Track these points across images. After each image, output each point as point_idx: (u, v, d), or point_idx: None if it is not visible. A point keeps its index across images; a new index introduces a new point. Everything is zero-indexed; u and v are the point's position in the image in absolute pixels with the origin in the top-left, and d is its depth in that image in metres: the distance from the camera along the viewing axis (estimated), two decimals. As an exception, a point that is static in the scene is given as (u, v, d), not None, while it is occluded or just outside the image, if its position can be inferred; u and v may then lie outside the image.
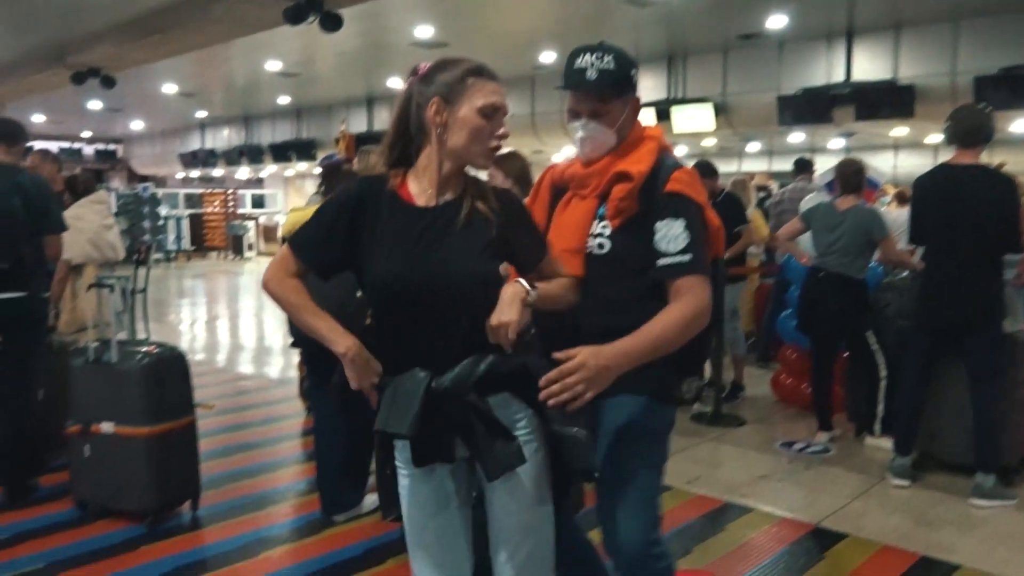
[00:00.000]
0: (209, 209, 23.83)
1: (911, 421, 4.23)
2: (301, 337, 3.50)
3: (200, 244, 22.75)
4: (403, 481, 1.84)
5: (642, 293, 1.92)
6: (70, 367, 3.66)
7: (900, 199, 9.86)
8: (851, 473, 4.40)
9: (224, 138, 21.85)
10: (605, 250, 1.97)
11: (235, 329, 10.28)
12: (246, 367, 7.66)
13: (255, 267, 20.08)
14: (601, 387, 1.71)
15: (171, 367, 3.61)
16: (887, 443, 4.59)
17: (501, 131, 1.75)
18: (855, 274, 4.75)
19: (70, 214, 4.61)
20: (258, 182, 27.93)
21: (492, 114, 1.73)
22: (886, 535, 3.56)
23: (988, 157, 12.68)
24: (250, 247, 22.59)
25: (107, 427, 3.52)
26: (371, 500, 3.75)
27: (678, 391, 2.17)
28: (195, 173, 24.66)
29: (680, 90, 12.69)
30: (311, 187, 28.18)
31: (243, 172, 24.48)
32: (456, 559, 1.82)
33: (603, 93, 1.96)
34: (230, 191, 24.33)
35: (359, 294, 3.35)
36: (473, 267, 1.71)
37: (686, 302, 1.86)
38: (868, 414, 4.91)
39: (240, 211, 24.59)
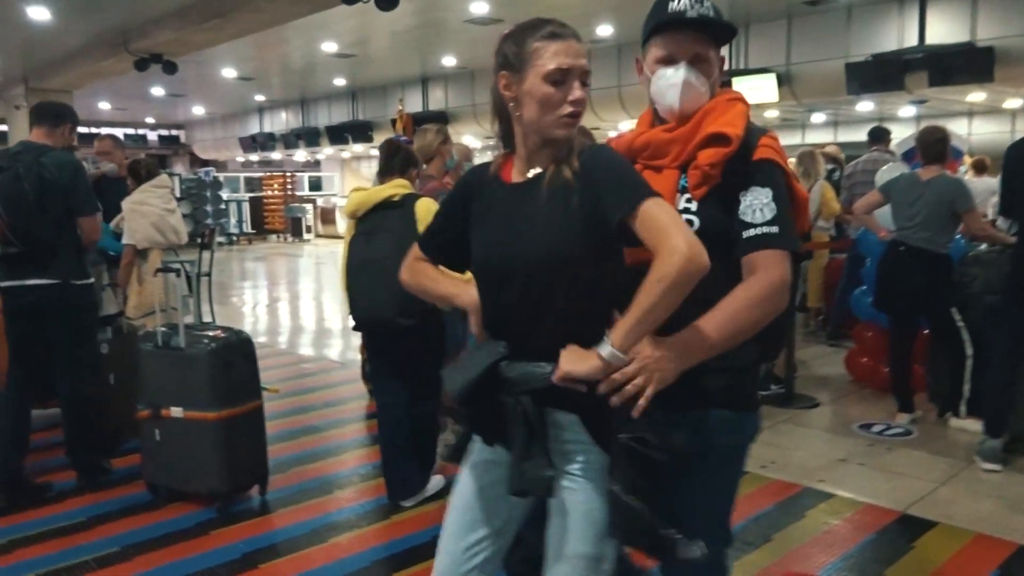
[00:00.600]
0: (268, 192, 24.17)
1: (1004, 400, 4.00)
2: (363, 321, 3.46)
3: (260, 227, 23.10)
4: (475, 451, 1.77)
5: (736, 275, 1.67)
6: (139, 351, 3.67)
7: (978, 168, 9.43)
8: (936, 457, 4.19)
9: (282, 121, 22.11)
10: (695, 227, 1.67)
11: (296, 311, 10.37)
12: (307, 350, 7.71)
13: (314, 249, 20.32)
14: (664, 380, 1.50)
15: (238, 351, 3.60)
16: (974, 425, 4.37)
17: (574, 96, 1.57)
18: (938, 248, 4.50)
19: (133, 199, 4.65)
20: (315, 164, 28.27)
21: (562, 79, 1.56)
22: (979, 523, 3.37)
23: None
24: (308, 229, 22.84)
25: (177, 411, 3.53)
26: (436, 482, 3.70)
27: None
28: (254, 157, 25.07)
29: (742, 60, 12.31)
30: (367, 169, 28.39)
31: (301, 155, 24.81)
32: (463, 539, 1.73)
33: (706, 36, 1.73)
34: (288, 174, 24.63)
35: None
36: (546, 243, 1.56)
37: (763, 278, 1.60)
38: (953, 394, 4.67)
39: (298, 194, 24.90)
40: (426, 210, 3.32)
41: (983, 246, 4.83)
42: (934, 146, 4.65)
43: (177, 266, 3.85)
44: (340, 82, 18.01)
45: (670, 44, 1.73)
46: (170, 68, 12.07)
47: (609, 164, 1.59)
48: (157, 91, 18.06)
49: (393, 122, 17.04)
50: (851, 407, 5.14)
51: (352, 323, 3.50)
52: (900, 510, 3.53)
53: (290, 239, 22.66)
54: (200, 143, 26.05)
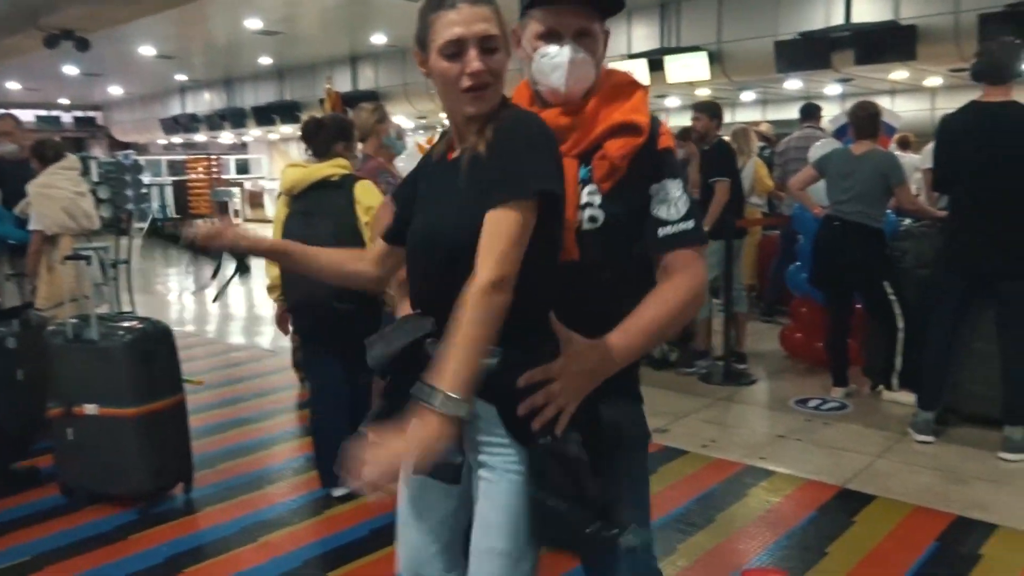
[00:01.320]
0: (193, 176, 23.39)
1: (937, 372, 4.05)
2: (300, 305, 3.30)
3: (185, 211, 22.35)
4: None
5: (641, 272, 1.58)
6: (49, 345, 3.42)
7: (902, 144, 9.63)
8: (872, 430, 4.24)
9: (206, 102, 21.37)
10: (599, 223, 1.56)
11: (224, 298, 10.02)
12: (236, 338, 7.44)
13: (243, 233, 19.76)
14: (582, 395, 1.43)
15: (157, 342, 3.39)
16: (906, 397, 4.44)
17: (470, 67, 1.42)
18: (873, 222, 4.53)
19: (40, 182, 4.36)
20: (242, 147, 27.46)
21: (457, 51, 1.43)
22: (918, 495, 3.40)
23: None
24: (236, 213, 22.20)
25: (91, 409, 3.30)
26: (374, 473, 3.55)
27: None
28: (177, 139, 24.23)
29: (674, 39, 12.34)
30: (296, 151, 27.73)
31: (226, 137, 24.04)
32: (422, 524, 1.64)
33: (590, 9, 1.57)
34: (213, 157, 23.86)
35: None
36: (463, 220, 1.41)
37: (682, 281, 1.53)
38: (886, 367, 4.73)
39: (225, 177, 24.16)
40: (363, 192, 3.19)
41: (907, 220, 4.91)
42: (867, 121, 4.68)
43: (88, 253, 3.59)
44: (266, 61, 17.47)
45: (552, 18, 1.56)
46: (82, 45, 11.46)
47: (511, 137, 1.43)
48: (70, 70, 17.20)
49: (321, 101, 16.62)
50: (788, 383, 5.18)
51: (287, 306, 3.33)
52: (840, 485, 3.54)
53: (217, 223, 22.01)
54: (119, 125, 25.03)
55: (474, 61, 1.42)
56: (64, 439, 3.39)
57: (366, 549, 3.03)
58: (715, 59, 11.93)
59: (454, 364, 1.32)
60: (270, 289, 3.52)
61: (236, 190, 22.54)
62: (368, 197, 3.23)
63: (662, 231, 1.54)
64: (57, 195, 4.28)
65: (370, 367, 1.55)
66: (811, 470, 3.72)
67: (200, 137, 23.48)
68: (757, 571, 1.34)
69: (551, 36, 1.56)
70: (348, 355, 3.24)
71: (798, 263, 5.60)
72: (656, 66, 12.23)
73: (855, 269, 4.58)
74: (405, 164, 5.07)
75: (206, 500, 3.54)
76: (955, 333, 4.01)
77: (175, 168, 23.79)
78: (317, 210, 3.20)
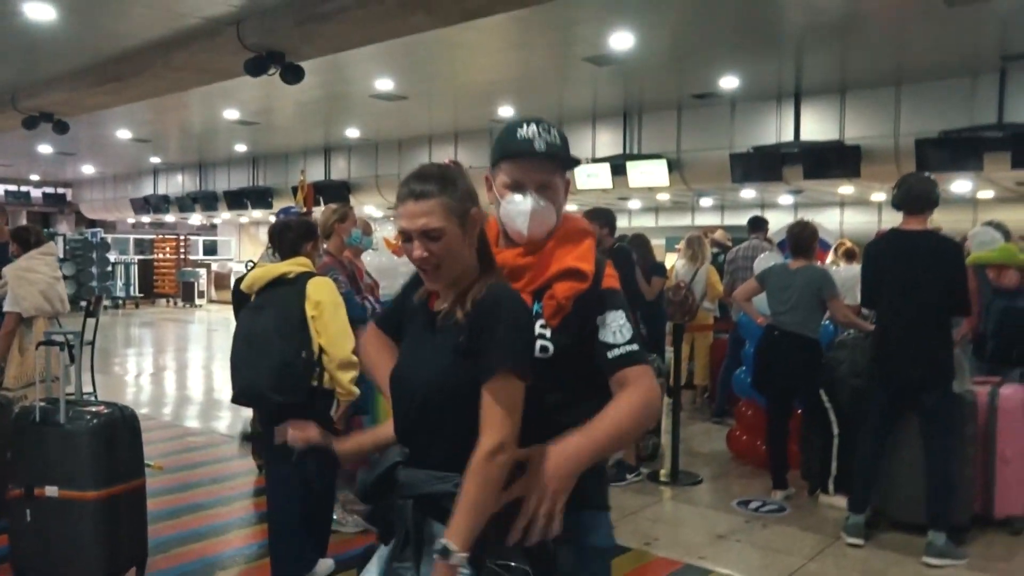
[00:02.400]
0: (160, 255, 23.46)
1: (866, 479, 4.30)
2: (240, 394, 3.43)
3: (149, 291, 22.32)
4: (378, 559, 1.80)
5: (584, 393, 1.77)
6: (14, 426, 3.52)
7: (848, 256, 10.14)
8: (807, 532, 4.43)
9: (178, 184, 21.63)
10: (549, 353, 1.76)
11: (183, 381, 10.04)
12: (194, 422, 7.45)
13: (205, 315, 19.73)
14: (563, 495, 1.61)
15: (122, 428, 3.50)
16: (840, 501, 4.65)
17: (414, 254, 1.68)
18: (808, 333, 4.85)
19: (20, 265, 4.51)
20: (211, 228, 27.63)
21: (407, 238, 1.69)
22: (843, 597, 3.59)
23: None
24: (201, 295, 22.20)
25: (51, 491, 3.38)
26: (326, 566, 3.66)
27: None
28: (146, 219, 24.33)
29: (635, 146, 12.96)
30: (266, 235, 27.97)
31: (196, 218, 24.22)
32: None
33: (551, 165, 1.83)
34: (182, 237, 23.99)
35: (303, 354, 3.34)
36: (436, 374, 1.67)
37: (640, 388, 1.72)
38: (822, 472, 4.97)
39: (192, 257, 24.24)
40: (315, 288, 3.34)
41: (850, 332, 5.24)
42: (804, 241, 5.05)
43: (61, 338, 3.74)
44: (241, 148, 17.86)
45: (518, 172, 1.80)
46: (61, 128, 11.71)
47: (495, 318, 1.65)
48: (45, 148, 17.43)
49: (294, 191, 16.98)
50: (732, 483, 5.37)
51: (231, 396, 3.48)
52: (773, 585, 3.71)
53: (181, 304, 21.95)
54: (88, 203, 25.10)
55: (416, 250, 1.67)
56: (22, 520, 3.45)
57: (314, 637, 3.12)
58: (674, 167, 12.53)
59: (463, 524, 1.56)
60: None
61: (202, 271, 22.58)
62: (318, 292, 3.36)
63: (611, 354, 1.75)
64: (36, 279, 4.44)
65: (365, 483, 1.74)
66: (746, 570, 3.89)
67: (170, 218, 23.65)
68: None
69: (516, 187, 1.80)
70: (301, 452, 3.38)
71: (743, 367, 5.89)
72: (619, 170, 12.81)
73: (792, 376, 4.87)
74: (373, 258, 5.33)
75: (158, 585, 3.60)
76: (883, 440, 4.28)
77: (142, 246, 23.85)
78: (266, 304, 3.36)
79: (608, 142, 13.36)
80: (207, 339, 15.19)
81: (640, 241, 7.46)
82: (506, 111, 12.84)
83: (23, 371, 4.38)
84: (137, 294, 21.76)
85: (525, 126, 1.81)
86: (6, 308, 4.42)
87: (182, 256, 23.42)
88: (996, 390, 4.54)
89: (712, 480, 5.45)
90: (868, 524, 4.32)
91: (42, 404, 3.50)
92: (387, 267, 5.54)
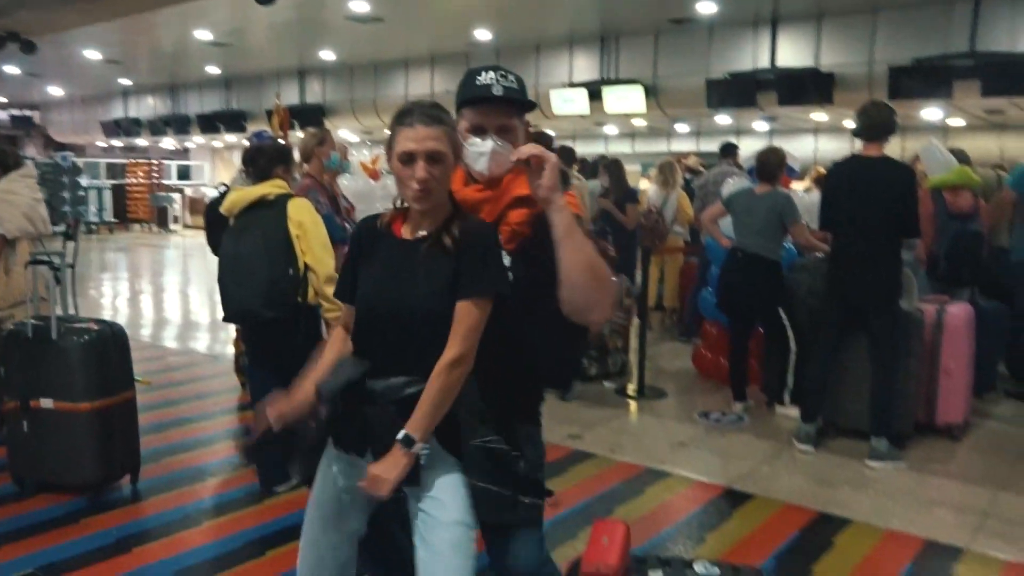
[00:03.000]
0: (132, 180, 23.17)
1: (818, 391, 4.58)
2: (231, 313, 3.59)
3: (123, 216, 22.14)
4: (327, 454, 2.00)
5: (539, 316, 1.92)
6: (7, 343, 3.68)
7: (819, 182, 10.35)
8: (762, 440, 4.74)
9: (149, 107, 21.24)
10: (510, 279, 1.90)
11: (160, 304, 10.16)
12: (172, 343, 7.62)
13: (181, 240, 19.68)
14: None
15: (112, 344, 3.67)
16: (795, 412, 4.94)
17: (417, 175, 1.80)
18: (770, 255, 5.06)
19: (1, 188, 4.56)
20: (183, 153, 27.23)
21: (408, 160, 1.81)
22: (789, 494, 3.90)
23: (900, 143, 13.35)
24: (175, 220, 22.07)
25: (47, 403, 3.57)
26: (310, 470, 3.89)
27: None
28: (117, 142, 23.92)
29: (612, 71, 12.93)
30: (239, 159, 27.63)
31: (168, 142, 23.87)
32: (328, 537, 1.99)
33: (510, 108, 1.97)
34: (155, 161, 23.67)
35: (290, 272, 3.50)
36: (425, 299, 1.83)
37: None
38: (779, 386, 5.26)
39: (165, 182, 23.98)
40: (295, 208, 3.47)
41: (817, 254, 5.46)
42: (770, 167, 5.21)
43: (47, 258, 3.85)
44: (214, 70, 17.55)
45: (479, 116, 1.94)
46: (28, 48, 11.53)
47: (483, 246, 1.85)
48: (11, 69, 17.03)
49: (269, 115, 16.74)
50: (695, 397, 5.66)
51: (222, 315, 3.64)
52: (726, 485, 4.01)
53: (155, 229, 21.83)
54: (56, 125, 24.62)
55: (420, 171, 1.80)
56: (19, 431, 3.64)
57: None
58: (651, 93, 12.54)
59: (423, 420, 1.78)
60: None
61: (176, 196, 22.39)
62: (299, 213, 3.49)
63: None
64: (17, 201, 4.50)
65: (323, 398, 1.90)
66: (703, 472, 4.19)
67: (141, 141, 23.29)
68: (603, 521, 1.71)
69: (477, 130, 1.93)
70: (285, 364, 3.57)
71: (709, 288, 6.12)
72: (595, 96, 12.81)
73: (754, 296, 5.10)
74: (349, 183, 5.42)
75: (151, 490, 3.82)
76: (834, 355, 4.55)
77: (114, 171, 23.51)
78: (250, 226, 3.49)
79: (585, 67, 13.30)
80: (183, 263, 15.25)
81: (614, 166, 7.60)
82: (483, 35, 12.73)
83: (9, 291, 4.48)
84: (111, 219, 21.58)
85: (484, 73, 1.94)
86: (-11, 230, 4.49)
87: (155, 181, 23.15)
88: (943, 308, 4.81)
89: (676, 395, 5.74)
90: (818, 432, 4.63)
91: (34, 322, 3.64)
92: (363, 191, 5.65)
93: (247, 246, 3.42)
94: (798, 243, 5.22)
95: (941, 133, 15.17)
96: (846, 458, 4.41)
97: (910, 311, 4.63)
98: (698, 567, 1.68)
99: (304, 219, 3.45)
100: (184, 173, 26.03)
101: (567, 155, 7.39)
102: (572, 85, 13.12)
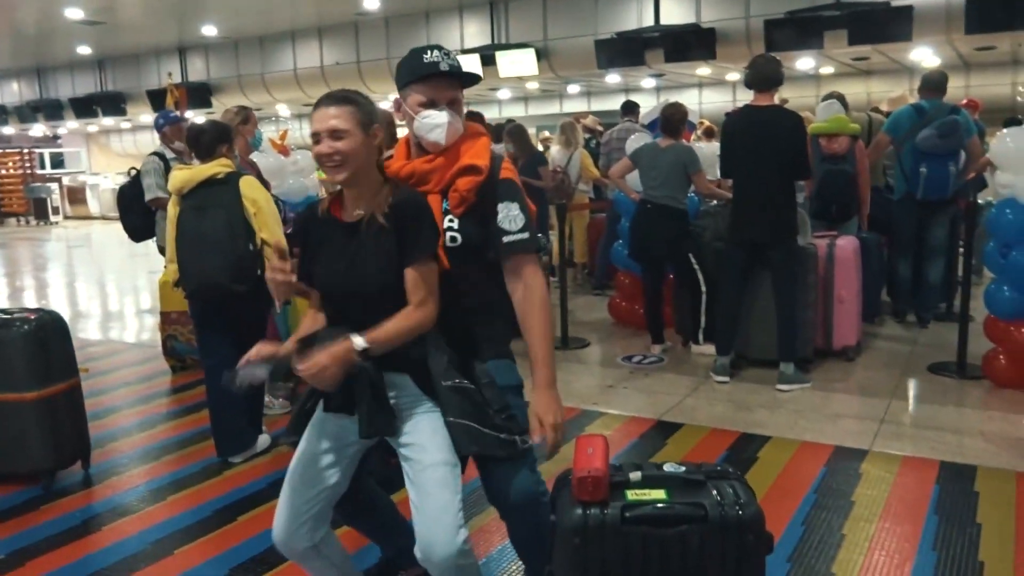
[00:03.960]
0: (2, 171, 21.83)
1: (729, 325, 4.99)
2: (196, 289, 3.68)
3: (-4, 210, 20.90)
4: (315, 417, 2.20)
5: (488, 270, 2.17)
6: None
7: (708, 134, 10.87)
8: (683, 376, 5.12)
9: (14, 92, 20.01)
10: (458, 242, 2.13)
11: (65, 297, 9.78)
12: (88, 334, 7.42)
13: (63, 232, 18.77)
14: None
15: (53, 331, 3.65)
16: (709, 349, 5.35)
17: (320, 151, 2.01)
18: (677, 204, 5.41)
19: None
20: (52, 140, 25.75)
21: (316, 138, 2.02)
22: (714, 420, 4.28)
23: (777, 91, 13.95)
24: (56, 211, 20.98)
25: (-10, 395, 3.54)
26: (263, 440, 4.01)
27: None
28: (-19, 132, 22.44)
29: (503, 36, 13.09)
30: (119, 144, 26.36)
31: (38, 129, 22.55)
32: (306, 492, 2.16)
33: (456, 82, 2.15)
34: (26, 151, 22.33)
35: (251, 247, 3.62)
36: (373, 276, 2.04)
37: (534, 287, 2.13)
38: (693, 326, 5.65)
39: (39, 172, 22.70)
40: (248, 186, 3.62)
41: (716, 202, 5.85)
42: (674, 122, 5.54)
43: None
44: (85, 50, 16.68)
45: (430, 91, 2.10)
46: None
47: (414, 216, 2.05)
48: None
49: (151, 95, 16.13)
50: (615, 344, 6.02)
51: (185, 290, 3.71)
52: (656, 418, 4.36)
53: (34, 222, 20.70)
54: (-93, 117, 22.81)
55: (322, 147, 2.00)
56: (-38, 425, 3.60)
57: (268, 497, 3.49)
58: (542, 55, 12.79)
59: (380, 336, 1.98)
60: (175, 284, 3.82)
61: (54, 186, 21.25)
62: (252, 191, 3.66)
63: (505, 239, 2.13)
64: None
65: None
66: (634, 409, 4.52)
67: (8, 129, 21.91)
68: (584, 436, 1.94)
69: (430, 104, 2.10)
70: (242, 334, 3.67)
71: (620, 241, 6.46)
72: (488, 61, 12.95)
73: (664, 244, 5.46)
74: (260, 159, 5.43)
75: (106, 473, 3.85)
76: (741, 292, 4.96)
77: (-20, 163, 22.09)
78: (208, 204, 3.61)
79: (476, 32, 13.41)
80: (68, 256, 14.61)
81: (518, 131, 7.80)
82: (371, 3, 12.63)
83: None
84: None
85: (430, 52, 2.13)
86: None
87: (28, 171, 21.86)
88: (834, 243, 5.29)
89: (598, 343, 6.07)
90: (732, 365, 5.04)
91: (-34, 315, 3.59)
92: (275, 167, 5.68)
93: (210, 223, 3.53)
94: (700, 191, 5.59)
95: (814, 81, 16.11)
96: (759, 384, 4.85)
97: (805, 246, 5.07)
98: (667, 467, 1.94)
99: (257, 196, 3.59)
100: (58, 161, 24.73)
101: (478, 120, 7.51)
102: (464, 51, 13.21)
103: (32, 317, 3.64)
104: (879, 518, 3.13)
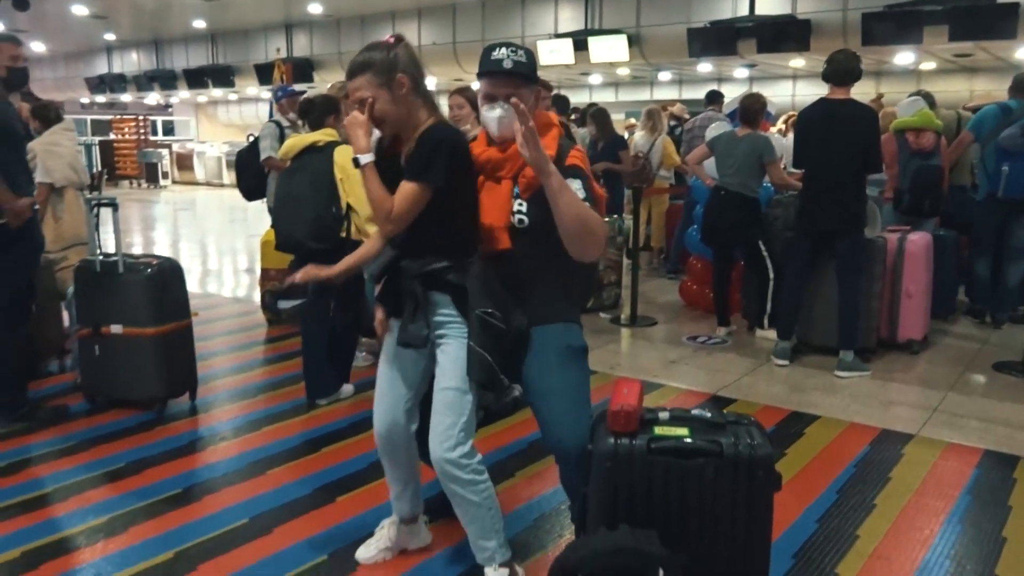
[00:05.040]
0: (119, 136, 23.26)
1: (792, 310, 5.14)
2: (282, 243, 4.11)
3: (112, 172, 22.29)
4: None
5: (555, 251, 2.25)
6: (79, 277, 4.14)
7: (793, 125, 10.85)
8: (743, 358, 5.31)
9: (133, 62, 21.30)
10: (526, 224, 2.33)
11: (174, 254, 10.54)
12: (193, 288, 8.04)
13: (171, 196, 19.93)
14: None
15: (171, 276, 4.15)
16: (774, 334, 5.50)
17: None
18: (750, 192, 5.56)
19: (47, 140, 4.98)
20: (164, 109, 27.23)
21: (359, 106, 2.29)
22: (768, 399, 4.47)
23: (875, 86, 13.80)
24: (165, 175, 22.26)
25: (116, 329, 4.04)
26: (348, 389, 4.43)
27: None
28: (101, 98, 23.93)
29: (596, 21, 13.26)
30: (225, 114, 27.66)
31: (153, 98, 23.91)
32: (395, 389, 2.52)
33: (518, 80, 2.30)
34: (141, 117, 23.72)
35: (333, 209, 4.02)
36: None
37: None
38: (759, 311, 5.81)
39: (152, 138, 24.08)
40: (341, 154, 3.97)
41: (791, 193, 5.97)
42: (752, 111, 5.69)
43: (108, 200, 4.28)
44: (199, 24, 17.65)
45: (490, 86, 2.32)
46: (22, 4, 11.65)
47: (424, 144, 2.28)
48: (-4, 26, 17.03)
49: (258, 69, 16.90)
50: (682, 324, 6.22)
51: (275, 244, 4.16)
52: (712, 392, 4.58)
53: (145, 185, 22.02)
54: (39, 82, 24.46)
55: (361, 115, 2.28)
56: (91, 355, 4.13)
57: (346, 435, 3.91)
58: (634, 42, 12.92)
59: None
60: None
61: (165, 152, 22.54)
62: (344, 158, 3.97)
63: None
64: (63, 152, 4.92)
65: (372, 273, 2.43)
66: (691, 383, 4.75)
67: (126, 97, 23.33)
68: (623, 379, 2.21)
69: (490, 98, 2.33)
70: (325, 291, 4.08)
71: (694, 226, 6.64)
72: (580, 46, 13.17)
73: (735, 230, 5.62)
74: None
75: (209, 406, 4.34)
76: (806, 279, 5.10)
77: (100, 128, 23.57)
78: (301, 168, 4.05)
79: (570, 18, 13.62)
80: (174, 218, 15.57)
81: (600, 115, 8.03)
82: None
83: (59, 235, 4.92)
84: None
85: (498, 49, 2.36)
86: (38, 179, 4.90)
87: (142, 137, 23.24)
88: (905, 237, 5.37)
89: (665, 323, 6.29)
90: (793, 350, 5.20)
91: (101, 259, 4.10)
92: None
93: (297, 186, 3.92)
94: (774, 181, 5.73)
95: (914, 76, 15.67)
96: (818, 370, 5.00)
97: (874, 239, 5.17)
98: (694, 411, 2.21)
99: (347, 164, 3.92)
100: (169, 129, 26.13)
101: (562, 104, 7.78)
102: (557, 36, 13.45)
103: (155, 263, 4.13)
104: (913, 493, 3.30)
